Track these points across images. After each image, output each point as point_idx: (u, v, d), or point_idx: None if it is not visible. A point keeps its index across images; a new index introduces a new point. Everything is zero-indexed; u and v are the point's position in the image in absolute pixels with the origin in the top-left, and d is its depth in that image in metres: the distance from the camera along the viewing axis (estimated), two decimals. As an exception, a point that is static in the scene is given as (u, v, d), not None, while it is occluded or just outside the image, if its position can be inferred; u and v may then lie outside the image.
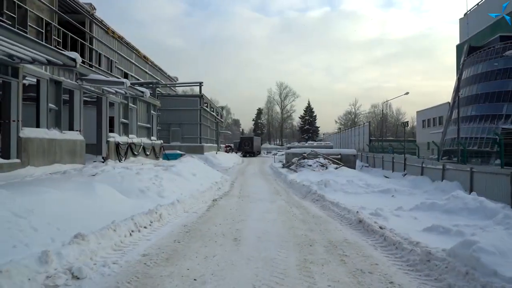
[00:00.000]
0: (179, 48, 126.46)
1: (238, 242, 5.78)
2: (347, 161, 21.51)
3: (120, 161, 15.59)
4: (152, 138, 21.32)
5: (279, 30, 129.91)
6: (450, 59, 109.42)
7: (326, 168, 19.87)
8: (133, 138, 18.03)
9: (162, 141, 23.69)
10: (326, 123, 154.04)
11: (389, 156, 21.32)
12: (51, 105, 11.33)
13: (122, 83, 12.86)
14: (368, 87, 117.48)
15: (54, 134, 11.16)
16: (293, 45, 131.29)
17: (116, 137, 15.98)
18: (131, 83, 19.39)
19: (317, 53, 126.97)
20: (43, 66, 10.64)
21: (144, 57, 29.42)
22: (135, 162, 16.14)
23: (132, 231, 5.88)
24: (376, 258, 4.89)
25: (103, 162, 14.06)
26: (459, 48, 41.44)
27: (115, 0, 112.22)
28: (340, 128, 68.62)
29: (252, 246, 5.50)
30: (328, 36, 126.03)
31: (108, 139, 15.20)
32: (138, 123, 19.35)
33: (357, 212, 7.55)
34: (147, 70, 30.07)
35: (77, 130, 12.86)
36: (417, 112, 49.90)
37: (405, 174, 17.02)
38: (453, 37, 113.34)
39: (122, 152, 16.31)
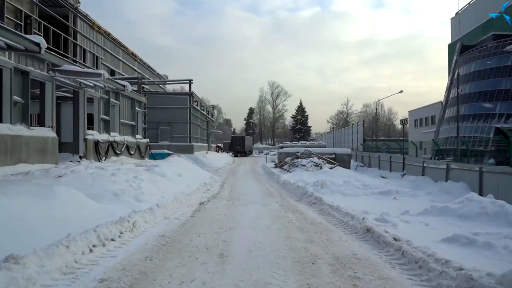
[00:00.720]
0: (170, 47, 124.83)
1: (225, 259, 4.73)
2: (342, 161, 20.69)
3: (99, 161, 14.36)
4: (137, 136, 20.09)
5: (270, 30, 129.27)
6: (440, 59, 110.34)
7: (321, 168, 19.00)
8: (115, 136, 16.79)
9: (148, 140, 22.46)
10: (318, 123, 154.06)
11: (386, 156, 20.53)
12: (16, 98, 10.07)
13: (99, 74, 11.67)
14: (359, 87, 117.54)
15: (19, 130, 9.91)
16: (284, 45, 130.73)
17: (96, 135, 14.73)
18: (114, 78, 18.19)
19: (309, 53, 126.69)
20: (6, 54, 9.41)
21: (132, 54, 28.10)
22: (117, 162, 14.92)
23: (94, 245, 4.77)
24: (397, 282, 3.89)
25: (79, 161, 12.85)
26: (451, 47, 41.08)
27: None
28: (332, 128, 67.98)
29: (241, 265, 4.46)
30: (319, 36, 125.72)
31: (86, 137, 13.96)
32: (121, 120, 18.10)
33: (362, 218, 6.58)
34: (135, 68, 28.74)
35: (48, 126, 11.61)
36: (409, 111, 49.55)
37: (404, 174, 16.20)
38: (443, 38, 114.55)
39: (102, 151, 15.08)
